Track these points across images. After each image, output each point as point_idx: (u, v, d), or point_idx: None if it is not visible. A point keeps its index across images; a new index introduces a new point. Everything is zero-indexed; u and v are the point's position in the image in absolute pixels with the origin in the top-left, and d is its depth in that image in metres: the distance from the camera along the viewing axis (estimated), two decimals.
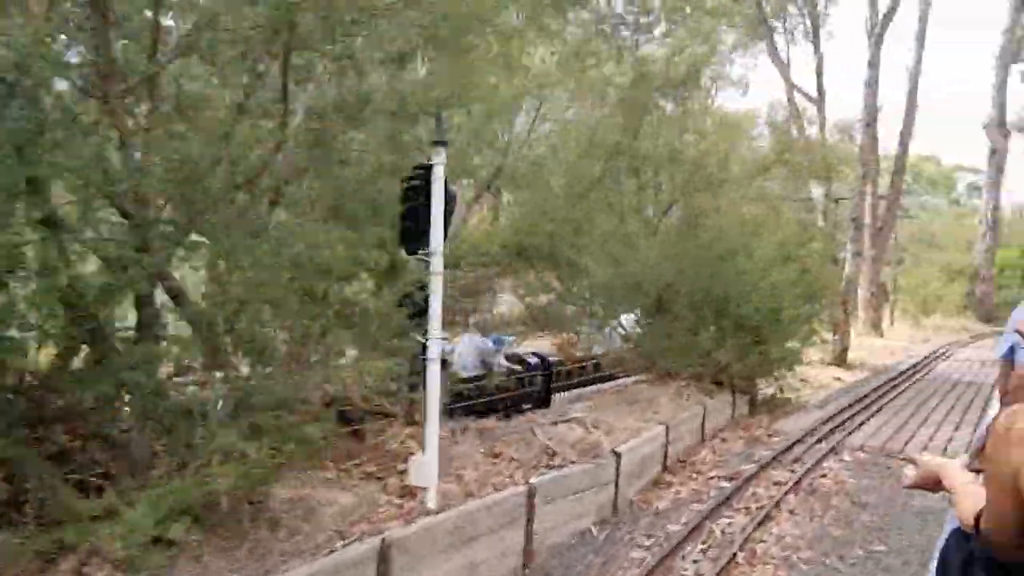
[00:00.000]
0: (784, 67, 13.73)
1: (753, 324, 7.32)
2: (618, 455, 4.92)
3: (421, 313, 3.69)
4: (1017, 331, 2.25)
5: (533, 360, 7.83)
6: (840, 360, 13.37)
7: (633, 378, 8.03)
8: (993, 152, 21.43)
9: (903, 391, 11.23)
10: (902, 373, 12.48)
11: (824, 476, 5.88)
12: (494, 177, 7.59)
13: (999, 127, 21.49)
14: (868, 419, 8.38)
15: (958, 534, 1.26)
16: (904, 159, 16.33)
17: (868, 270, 16.13)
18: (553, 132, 8.55)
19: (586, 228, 7.44)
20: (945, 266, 21.51)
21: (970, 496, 1.22)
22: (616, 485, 4.92)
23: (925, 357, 14.33)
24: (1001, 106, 21.11)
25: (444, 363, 4.14)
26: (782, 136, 12.94)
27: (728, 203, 8.52)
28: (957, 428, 7.79)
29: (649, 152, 7.89)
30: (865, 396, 10.17)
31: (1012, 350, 2.68)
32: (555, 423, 5.38)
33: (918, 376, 12.52)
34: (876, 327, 16.29)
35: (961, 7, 58.35)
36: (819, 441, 6.90)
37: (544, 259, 7.64)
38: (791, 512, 4.99)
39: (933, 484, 1.43)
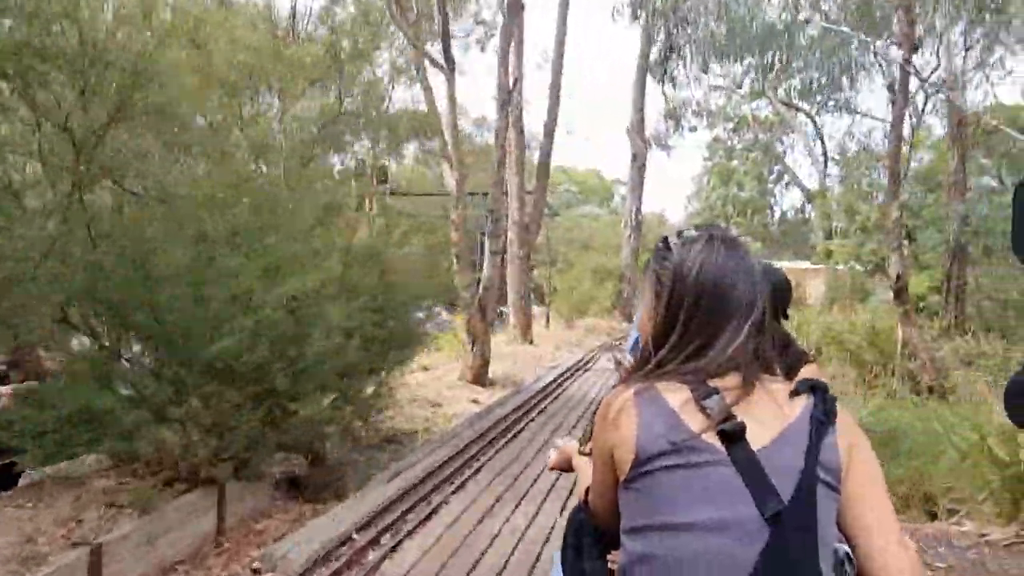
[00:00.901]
0: (408, 27, 11.26)
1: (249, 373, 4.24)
2: None
3: None
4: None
5: None
6: (479, 377, 11.40)
7: None
8: (635, 156, 22.05)
9: (534, 418, 9.40)
10: (544, 390, 10.89)
11: None
12: None
13: (639, 131, 22.11)
14: (454, 493, 5.69)
15: (577, 506, 1.38)
16: (549, 151, 15.23)
17: (517, 271, 14.66)
18: None
19: None
20: (597, 267, 21.83)
21: (584, 473, 1.38)
22: None
23: (569, 368, 13.07)
24: (641, 109, 21.79)
25: None
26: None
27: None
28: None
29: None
30: (482, 435, 7.97)
31: (636, 344, 2.16)
32: None
33: (559, 393, 11.04)
34: (527, 333, 14.84)
35: None
36: None
37: None
38: None
39: (568, 465, 1.58)
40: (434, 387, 11.21)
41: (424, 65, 11.28)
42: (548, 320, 18.00)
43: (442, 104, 11.01)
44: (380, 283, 6.08)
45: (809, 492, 1.01)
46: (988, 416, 7.66)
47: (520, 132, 14.73)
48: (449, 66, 10.51)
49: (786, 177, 64.17)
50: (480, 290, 11.34)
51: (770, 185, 65.95)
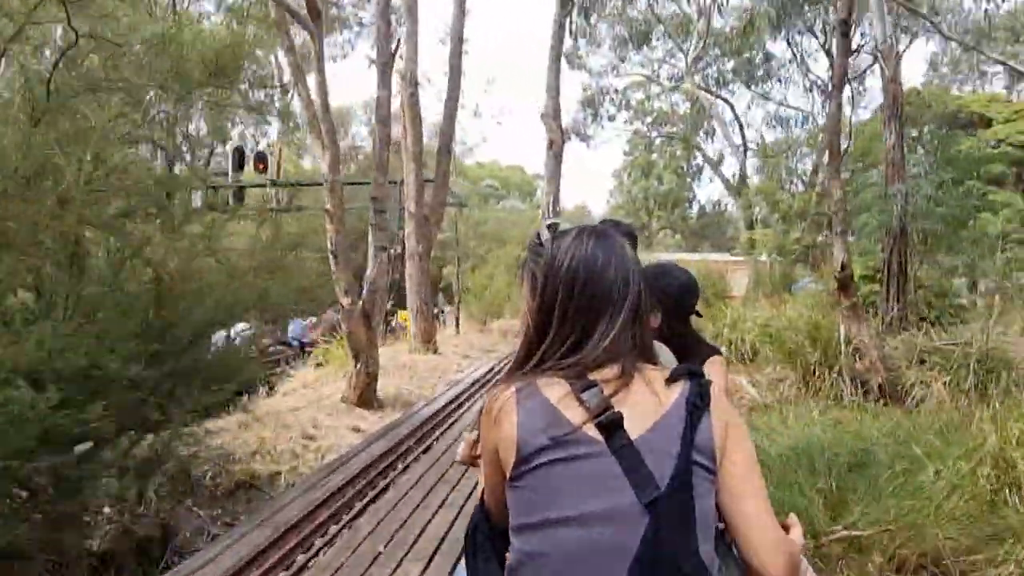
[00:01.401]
0: None
1: None
2: None
3: None
4: None
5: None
6: (365, 397, 9.47)
7: None
8: (550, 143, 20.44)
9: (430, 446, 7.58)
10: (439, 413, 9.07)
11: None
12: None
13: (554, 117, 20.53)
14: None
15: (477, 505, 1.35)
16: (451, 132, 13.37)
17: (416, 270, 12.75)
18: None
19: None
20: (514, 263, 20.08)
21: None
22: None
23: (476, 382, 11.26)
24: (555, 95, 20.22)
25: None
26: None
27: None
28: None
29: None
30: (352, 481, 6.07)
31: None
32: None
33: (459, 415, 9.25)
34: (429, 341, 12.93)
35: None
36: None
37: None
38: None
39: (473, 460, 1.62)
40: (310, 412, 9.20)
41: (287, 20, 9.23)
42: (458, 323, 16.16)
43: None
44: (152, 300, 4.10)
45: (685, 476, 1.05)
46: (964, 432, 6.41)
47: (416, 111, 12.80)
48: (313, 16, 8.50)
49: (706, 169, 64.86)
50: (364, 293, 9.40)
51: (689, 179, 66.70)
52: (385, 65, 9.23)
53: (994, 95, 24.48)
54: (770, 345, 10.44)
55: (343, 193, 9.13)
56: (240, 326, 8.72)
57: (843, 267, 8.91)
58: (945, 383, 8.54)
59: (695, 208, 67.48)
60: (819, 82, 29.20)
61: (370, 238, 9.41)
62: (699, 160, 65.73)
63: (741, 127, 29.74)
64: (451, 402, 9.81)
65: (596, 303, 1.15)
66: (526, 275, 1.22)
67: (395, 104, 13.21)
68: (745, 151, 29.70)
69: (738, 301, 22.46)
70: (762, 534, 1.08)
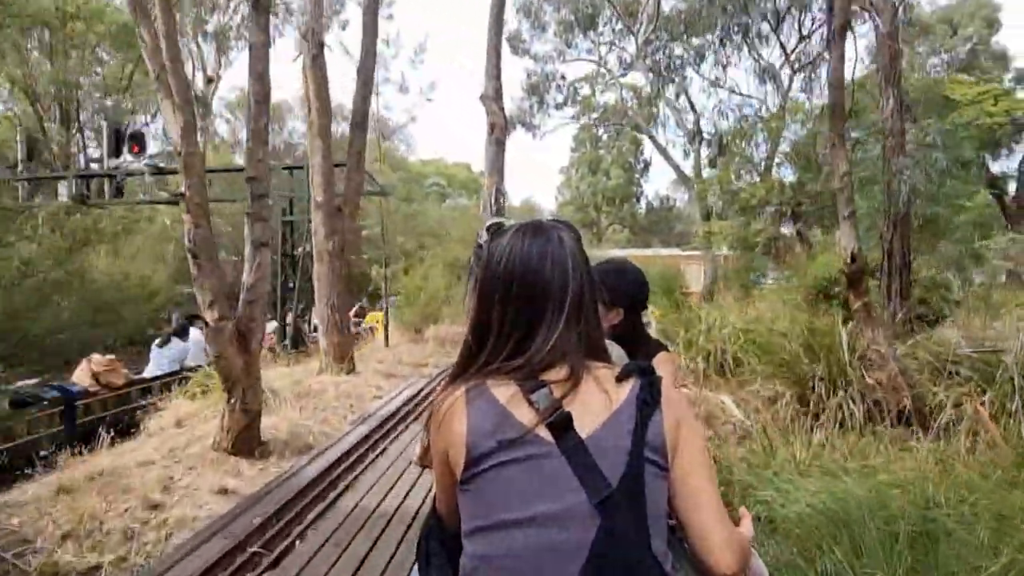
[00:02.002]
0: None
1: None
2: None
3: None
4: None
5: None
6: (243, 442, 7.17)
7: None
8: (491, 127, 18.26)
9: (333, 508, 5.33)
10: (339, 463, 6.85)
11: None
12: None
13: (495, 99, 18.34)
14: None
15: (430, 510, 1.33)
16: (365, 107, 11.10)
17: (327, 272, 10.44)
18: None
19: None
20: (453, 261, 17.78)
21: None
22: None
23: (397, 412, 8.99)
24: (496, 76, 18.06)
25: None
26: None
27: None
28: None
29: None
30: None
31: None
32: None
33: (371, 461, 7.05)
34: (343, 358, 10.61)
35: None
36: None
37: None
38: None
39: (428, 463, 1.50)
40: (164, 464, 6.85)
41: None
42: (387, 332, 13.86)
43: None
44: None
45: (637, 473, 1.05)
46: None
47: (322, 78, 10.47)
48: None
49: (654, 164, 63.77)
50: (239, 305, 7.09)
51: (636, 175, 65.71)
52: (258, 5, 6.93)
53: (955, 77, 23.46)
54: (757, 356, 8.56)
55: (204, 170, 6.80)
56: None
57: (853, 259, 7.04)
58: (982, 403, 6.75)
59: (643, 203, 66.72)
60: (770, 70, 28.00)
61: (247, 231, 7.09)
62: (646, 155, 65.15)
63: (695, 112, 28.16)
64: (362, 442, 7.60)
65: (535, 301, 1.14)
66: (470, 276, 1.25)
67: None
68: (699, 139, 28.14)
69: (696, 297, 20.89)
70: (713, 531, 1.07)
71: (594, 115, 64.70)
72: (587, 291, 1.16)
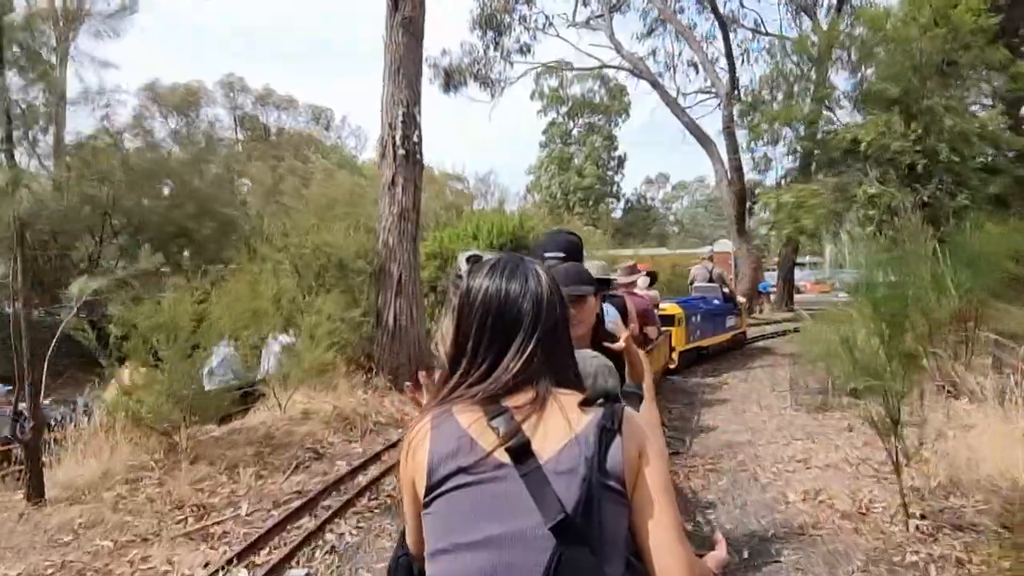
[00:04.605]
0: None
1: None
2: None
3: None
4: None
5: None
6: None
7: None
8: (397, 1, 9.84)
9: None
10: None
11: None
12: None
13: None
14: None
15: (399, 542, 1.34)
16: None
17: None
18: None
19: None
20: (317, 250, 9.43)
21: None
22: None
23: None
24: None
25: None
26: None
27: None
28: None
29: None
30: None
31: None
32: None
33: None
34: None
35: None
36: None
37: None
38: None
39: None
40: None
41: None
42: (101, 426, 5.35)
43: None
44: None
45: (592, 500, 1.06)
46: None
47: None
48: None
49: (629, 160, 56.01)
50: None
51: (610, 172, 58.07)
52: None
53: None
54: None
55: None
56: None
57: None
58: None
59: (621, 202, 59.22)
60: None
61: None
62: (620, 152, 57.55)
63: (731, 57, 20.05)
64: None
65: (507, 331, 1.18)
66: (448, 309, 1.29)
67: None
68: (735, 92, 20.02)
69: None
70: (671, 560, 1.09)
71: (563, 108, 56.78)
72: (560, 321, 1.21)
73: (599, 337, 2.18)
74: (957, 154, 10.33)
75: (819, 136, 13.01)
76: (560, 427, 1.10)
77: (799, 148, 14.19)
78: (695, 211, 64.40)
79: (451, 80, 20.90)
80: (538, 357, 1.15)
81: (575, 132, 56.93)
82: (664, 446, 1.24)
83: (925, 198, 11.06)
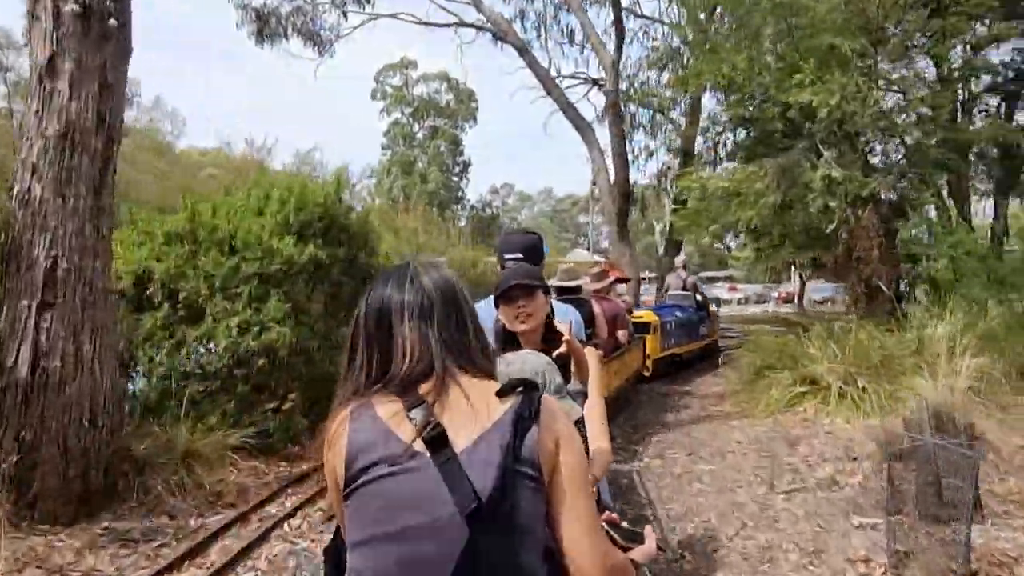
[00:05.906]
0: None
1: None
2: None
3: None
4: None
5: None
6: None
7: None
8: None
9: None
10: None
11: None
12: None
13: None
14: None
15: (333, 534, 1.30)
16: None
17: None
18: None
19: None
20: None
21: None
22: None
23: None
24: None
25: None
26: None
27: None
28: None
29: None
30: None
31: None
32: None
33: None
34: None
35: None
36: None
37: None
38: None
39: None
40: None
41: None
42: None
43: None
44: None
45: (505, 488, 1.03)
46: None
47: None
48: None
49: (475, 163, 55.35)
50: None
51: (456, 177, 57.25)
52: None
53: None
54: None
55: None
56: None
57: None
58: None
59: (466, 207, 58.42)
60: None
61: None
62: (466, 155, 56.85)
63: (620, 22, 18.92)
64: None
65: (389, 321, 1.19)
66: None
67: None
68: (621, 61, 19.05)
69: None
70: (581, 549, 1.08)
71: (407, 109, 54.71)
72: (437, 302, 1.20)
73: (548, 336, 2.22)
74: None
75: (752, 109, 11.80)
76: (475, 416, 1.09)
77: (729, 119, 13.05)
78: (540, 221, 65.39)
79: (266, 27, 17.14)
80: (430, 337, 1.15)
81: (419, 135, 55.55)
82: (581, 438, 1.19)
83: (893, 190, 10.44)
